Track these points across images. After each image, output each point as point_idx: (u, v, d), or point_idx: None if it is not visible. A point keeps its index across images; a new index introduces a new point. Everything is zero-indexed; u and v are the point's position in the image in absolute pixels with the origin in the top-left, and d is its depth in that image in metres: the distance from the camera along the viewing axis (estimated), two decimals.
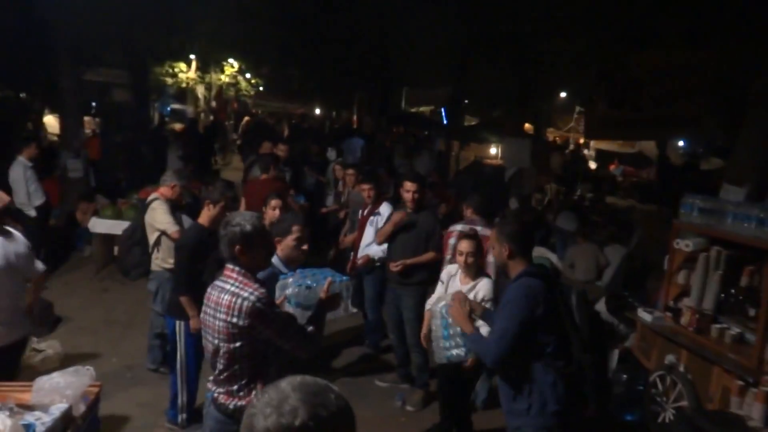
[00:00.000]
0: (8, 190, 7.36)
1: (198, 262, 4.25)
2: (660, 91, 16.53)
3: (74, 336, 5.98)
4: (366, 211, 6.02)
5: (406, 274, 5.02)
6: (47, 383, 2.98)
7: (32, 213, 7.39)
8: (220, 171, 16.24)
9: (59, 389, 2.96)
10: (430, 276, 4.98)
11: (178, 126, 22.02)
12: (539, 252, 7.31)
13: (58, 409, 2.85)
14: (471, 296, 3.98)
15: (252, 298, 2.62)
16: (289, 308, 3.04)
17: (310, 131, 19.09)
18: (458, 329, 3.43)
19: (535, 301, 2.91)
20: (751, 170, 5.78)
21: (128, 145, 12.75)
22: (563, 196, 15.65)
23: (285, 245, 3.52)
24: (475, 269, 4.16)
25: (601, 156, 25.58)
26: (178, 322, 4.34)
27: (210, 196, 4.46)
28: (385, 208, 5.88)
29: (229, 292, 2.66)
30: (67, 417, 2.86)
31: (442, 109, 17.82)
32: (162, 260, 5.16)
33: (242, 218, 2.76)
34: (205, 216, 4.41)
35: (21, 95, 15.67)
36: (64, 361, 5.34)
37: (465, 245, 4.16)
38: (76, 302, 6.88)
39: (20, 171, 7.30)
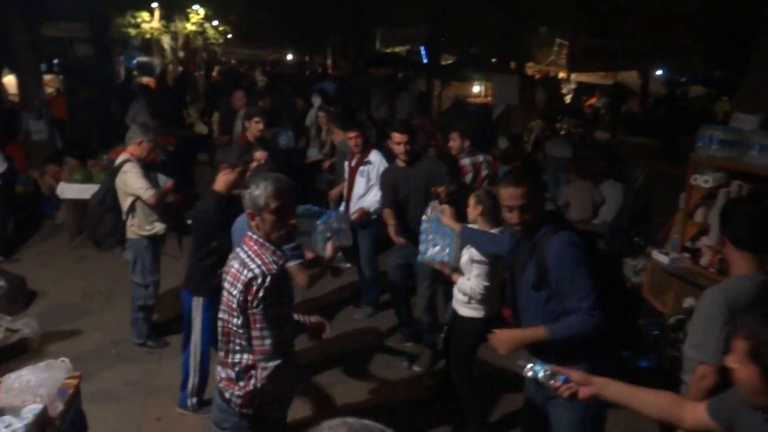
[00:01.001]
0: None
1: (221, 235, 3.76)
2: (646, 19, 16.03)
3: (52, 312, 5.58)
4: (354, 161, 5.61)
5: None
6: (16, 382, 2.62)
7: None
8: (194, 124, 15.54)
9: (31, 388, 2.60)
10: None
11: (146, 79, 21.14)
12: None
13: (31, 411, 2.50)
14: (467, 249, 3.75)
15: (256, 270, 2.32)
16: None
17: (287, 78, 18.35)
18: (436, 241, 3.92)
19: (581, 250, 2.61)
20: (764, 97, 5.43)
21: (95, 103, 12.05)
22: (549, 133, 15.31)
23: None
24: (487, 224, 3.73)
25: (582, 89, 25.15)
26: (195, 298, 3.95)
27: (226, 160, 3.96)
28: (375, 156, 5.49)
29: (239, 260, 2.39)
30: (42, 419, 2.51)
31: (421, 48, 17.12)
32: (138, 227, 4.74)
33: (256, 180, 2.45)
34: (221, 182, 3.93)
35: None
36: (42, 340, 5.00)
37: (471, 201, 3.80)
38: (51, 274, 6.44)
39: None
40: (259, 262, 2.36)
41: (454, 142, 5.72)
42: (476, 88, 17.33)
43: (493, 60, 17.17)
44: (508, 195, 2.67)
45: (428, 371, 4.73)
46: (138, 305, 4.90)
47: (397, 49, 26.66)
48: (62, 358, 2.85)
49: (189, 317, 4.04)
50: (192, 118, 17.05)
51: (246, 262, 2.37)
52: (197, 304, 3.96)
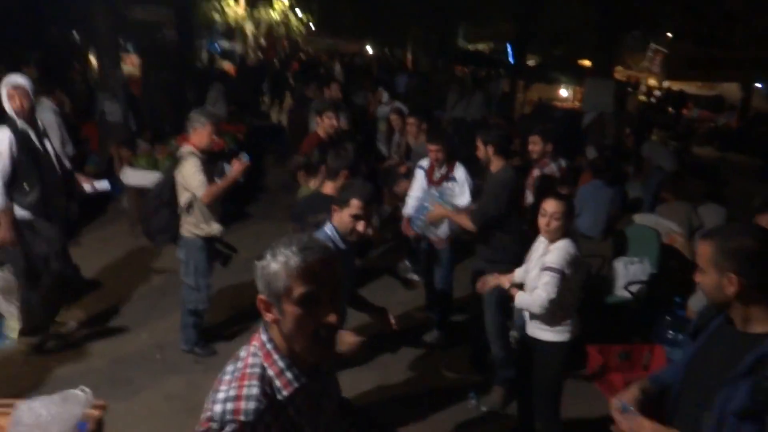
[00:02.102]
0: None
1: None
2: (758, 27, 14.68)
3: (101, 304, 5.29)
4: (436, 176, 5.02)
5: (493, 248, 4.11)
6: (26, 415, 2.23)
7: (67, 163, 6.64)
8: (270, 113, 15.39)
9: (41, 424, 2.21)
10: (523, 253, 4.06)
11: (227, 65, 21.29)
12: (646, 220, 6.16)
13: None
14: (538, 261, 3.30)
15: (217, 408, 1.40)
16: None
17: (365, 70, 17.96)
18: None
19: None
20: None
21: (170, 86, 12.00)
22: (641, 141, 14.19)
23: (340, 218, 2.89)
24: (560, 233, 3.25)
25: (674, 99, 23.58)
26: None
27: (341, 166, 3.72)
28: (460, 173, 4.85)
29: (225, 372, 1.52)
30: None
31: (507, 46, 16.31)
32: (194, 225, 4.34)
33: (275, 247, 1.48)
34: (330, 187, 3.66)
35: (70, 34, 15.07)
36: (87, 337, 4.73)
37: (551, 206, 3.21)
38: (109, 262, 6.21)
39: (52, 117, 6.52)
40: (233, 393, 1.41)
41: (535, 146, 5.20)
42: (563, 92, 16.35)
43: (582, 62, 16.19)
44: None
45: (499, 411, 4.15)
46: (189, 309, 4.53)
47: (480, 46, 25.85)
48: (82, 387, 2.45)
49: None
50: (267, 106, 16.97)
51: (222, 382, 1.47)
52: None
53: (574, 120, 11.20)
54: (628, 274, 5.05)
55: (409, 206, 5.12)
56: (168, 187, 4.45)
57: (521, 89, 15.53)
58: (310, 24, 31.61)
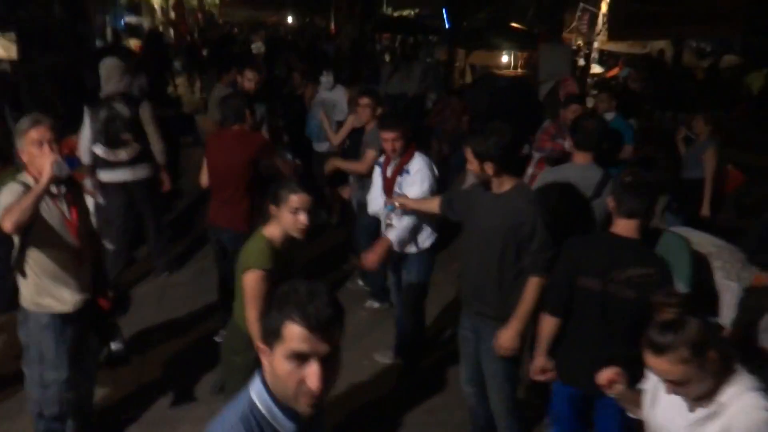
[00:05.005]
0: None
1: None
2: None
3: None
4: (390, 170, 3.98)
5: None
6: None
7: None
8: (181, 100, 13.54)
9: None
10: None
11: (134, 43, 19.20)
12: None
13: None
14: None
15: None
16: None
17: (289, 44, 16.38)
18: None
19: None
20: None
21: (59, 71, 10.17)
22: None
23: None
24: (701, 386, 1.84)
25: (605, 58, 23.17)
26: None
27: None
28: (417, 163, 3.87)
29: None
30: None
31: (444, 10, 15.11)
32: (34, 292, 2.82)
33: None
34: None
35: None
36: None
37: (654, 363, 1.84)
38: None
39: None
40: None
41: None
42: (505, 58, 15.32)
43: (515, 25, 15.29)
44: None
45: None
46: (35, 412, 3.01)
47: (405, 13, 24.68)
48: None
49: None
50: (180, 91, 15.18)
51: None
52: None
53: (523, 89, 10.21)
54: None
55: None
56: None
57: (461, 57, 14.40)
58: None
